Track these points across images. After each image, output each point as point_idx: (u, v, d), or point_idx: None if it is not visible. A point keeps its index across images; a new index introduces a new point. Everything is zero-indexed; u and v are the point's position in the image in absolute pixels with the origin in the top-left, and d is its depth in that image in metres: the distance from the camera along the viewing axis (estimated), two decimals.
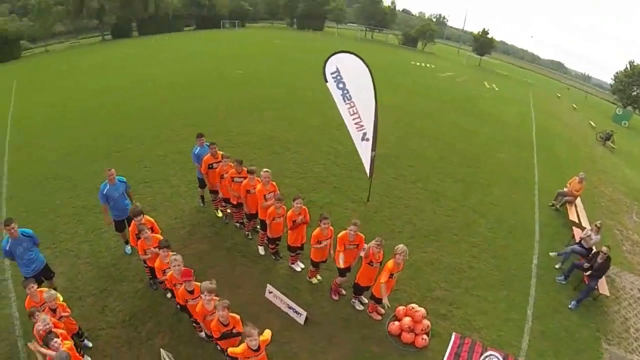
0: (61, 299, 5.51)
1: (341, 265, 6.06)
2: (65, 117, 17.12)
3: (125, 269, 7.52)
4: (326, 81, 7.86)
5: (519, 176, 13.78)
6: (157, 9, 52.60)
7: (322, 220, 6.06)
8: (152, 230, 6.23)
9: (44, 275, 6.36)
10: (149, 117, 15.86)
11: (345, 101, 7.76)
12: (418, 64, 39.78)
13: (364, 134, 7.92)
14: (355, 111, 7.80)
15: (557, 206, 11.71)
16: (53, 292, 5.16)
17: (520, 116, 23.65)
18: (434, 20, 75.20)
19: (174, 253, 5.54)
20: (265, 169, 6.84)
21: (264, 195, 6.74)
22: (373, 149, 8.00)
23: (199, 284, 5.36)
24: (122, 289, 7.09)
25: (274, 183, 7.02)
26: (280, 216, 6.45)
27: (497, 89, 32.87)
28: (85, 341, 5.89)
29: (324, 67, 7.89)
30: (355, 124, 7.87)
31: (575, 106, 33.59)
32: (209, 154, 7.75)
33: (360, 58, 7.88)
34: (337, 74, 7.74)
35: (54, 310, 5.14)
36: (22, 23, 46.56)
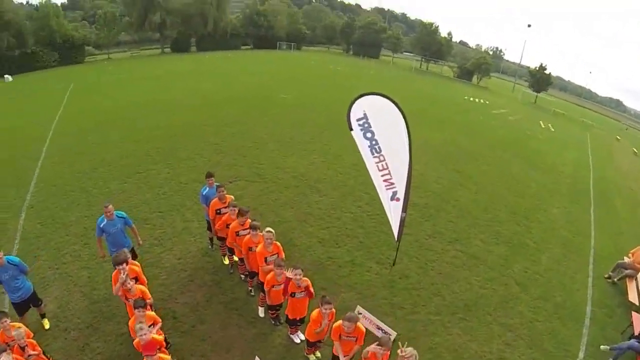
0: (31, 335, 5.49)
1: (341, 358, 5.40)
2: (105, 126, 18.25)
3: (116, 307, 7.36)
4: (351, 129, 7.11)
5: (572, 238, 12.46)
6: (215, 26, 56.57)
7: (324, 304, 5.39)
8: (137, 280, 6.03)
9: (31, 303, 6.51)
10: (184, 137, 16.44)
11: (373, 154, 7.03)
12: (471, 99, 38.90)
13: (394, 192, 7.11)
14: (384, 166, 7.02)
15: (615, 279, 10.39)
16: (22, 330, 5.13)
17: (576, 163, 22.14)
18: (491, 53, 75.15)
19: (149, 314, 5.29)
20: (268, 229, 6.36)
21: (265, 258, 6.31)
22: (404, 210, 7.18)
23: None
24: (107, 329, 6.93)
25: (278, 244, 6.56)
26: (280, 284, 5.95)
27: (552, 129, 31.49)
28: None
29: (349, 112, 7.15)
30: (385, 180, 7.08)
31: (636, 151, 31.72)
32: (216, 198, 7.55)
33: (394, 102, 7.18)
34: (364, 120, 7.03)
35: (22, 349, 5.12)
36: (90, 30, 51.91)
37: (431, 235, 11.09)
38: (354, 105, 7.17)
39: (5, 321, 5.10)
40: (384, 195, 7.19)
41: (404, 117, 7.15)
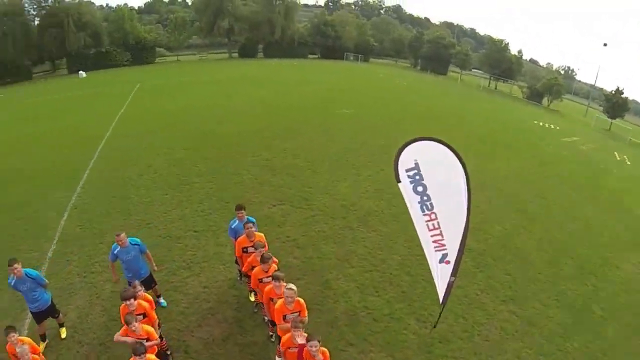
0: (38, 350, 5.76)
1: None
2: (160, 130, 19.15)
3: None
4: (398, 181, 6.17)
5: None
6: (283, 34, 58.74)
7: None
8: (145, 315, 5.81)
9: (48, 314, 6.87)
10: (234, 149, 16.63)
11: (423, 211, 6.07)
12: (541, 123, 35.82)
13: (444, 255, 6.18)
14: (436, 225, 6.08)
15: None
16: (26, 347, 5.32)
17: None
18: (562, 72, 71.53)
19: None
20: (290, 286, 5.67)
21: (284, 316, 5.75)
22: (453, 274, 6.16)
23: None
24: (117, 352, 6.77)
25: (302, 302, 5.92)
26: (297, 347, 5.37)
27: (629, 162, 27.87)
28: None
29: (397, 160, 6.18)
30: (434, 241, 6.13)
31: None
32: (244, 235, 7.18)
33: (453, 150, 6.19)
34: (415, 171, 6.06)
35: None
36: (162, 33, 56.61)
37: (484, 290, 9.89)
38: (403, 152, 6.24)
39: (13, 335, 5.35)
40: (432, 256, 6.28)
41: (465, 170, 6.16)
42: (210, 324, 7.57)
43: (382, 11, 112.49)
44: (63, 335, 7.24)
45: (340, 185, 14.11)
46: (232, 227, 7.59)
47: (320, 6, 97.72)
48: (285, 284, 5.82)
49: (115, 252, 6.87)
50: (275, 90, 30.30)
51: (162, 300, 7.90)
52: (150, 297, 6.33)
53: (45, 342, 7.05)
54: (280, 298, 5.82)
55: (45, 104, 29.57)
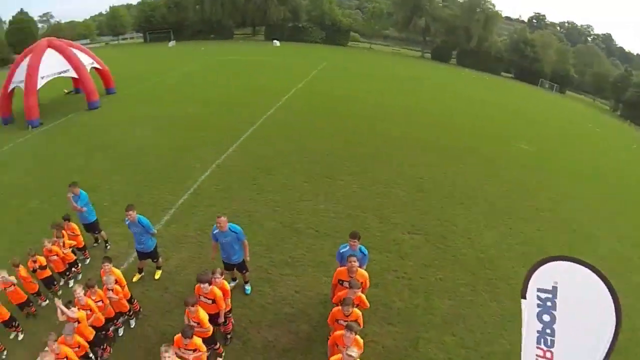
0: (123, 284, 6.67)
1: None
2: (328, 114, 19.33)
3: None
4: (524, 297, 4.79)
5: None
6: (479, 44, 54.72)
7: None
8: (214, 302, 5.99)
9: (148, 257, 7.90)
10: (393, 155, 15.26)
11: (538, 343, 4.69)
12: None
13: None
14: None
15: None
16: (112, 277, 6.34)
17: None
18: None
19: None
20: (350, 352, 4.74)
21: None
22: None
23: None
24: (178, 315, 6.83)
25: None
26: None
27: None
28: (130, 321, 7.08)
29: (531, 274, 4.71)
30: None
31: None
32: (346, 267, 6.30)
33: (610, 287, 4.29)
34: (550, 296, 4.63)
35: (111, 290, 6.41)
36: (358, 18, 59.05)
37: None
38: (541, 269, 4.58)
39: (107, 265, 6.43)
40: None
41: (618, 317, 4.13)
42: (281, 330, 7.11)
43: (589, 38, 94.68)
44: (156, 277, 8.19)
45: (485, 233, 11.70)
46: (341, 251, 6.80)
47: (522, 21, 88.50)
48: (356, 337, 5.11)
49: (215, 232, 6.96)
50: (452, 106, 27.05)
51: (248, 287, 7.83)
52: (227, 287, 6.35)
53: (141, 275, 8.14)
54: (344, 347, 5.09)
55: (232, 63, 33.31)
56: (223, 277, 6.24)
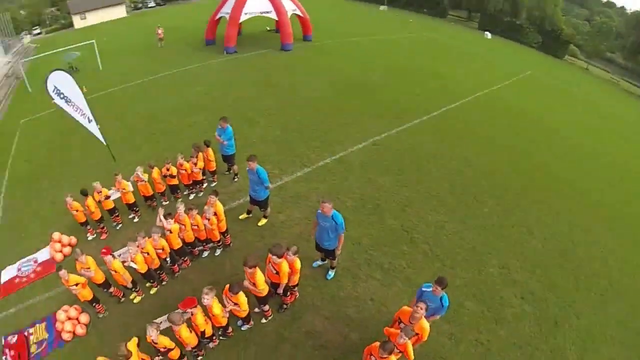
0: (214, 222, 7.29)
1: None
2: (518, 132, 15.23)
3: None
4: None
5: None
6: None
7: None
8: (277, 273, 6.09)
9: (257, 204, 8.38)
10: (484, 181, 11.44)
11: None
12: None
13: None
14: None
15: None
16: (212, 210, 7.19)
17: None
18: None
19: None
20: None
21: None
22: None
23: None
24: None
25: None
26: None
27: None
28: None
29: None
30: None
31: None
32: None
33: None
34: None
35: (207, 220, 7.27)
36: (582, 31, 49.33)
37: None
38: None
39: (212, 198, 7.27)
40: None
41: None
42: (333, 326, 6.70)
43: None
44: (259, 224, 8.64)
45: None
46: (422, 289, 5.80)
47: None
48: None
49: (319, 211, 6.69)
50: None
51: (331, 272, 7.59)
52: (297, 266, 6.21)
53: (248, 215, 8.74)
54: None
55: (433, 42, 31.21)
56: (297, 255, 6.11)
